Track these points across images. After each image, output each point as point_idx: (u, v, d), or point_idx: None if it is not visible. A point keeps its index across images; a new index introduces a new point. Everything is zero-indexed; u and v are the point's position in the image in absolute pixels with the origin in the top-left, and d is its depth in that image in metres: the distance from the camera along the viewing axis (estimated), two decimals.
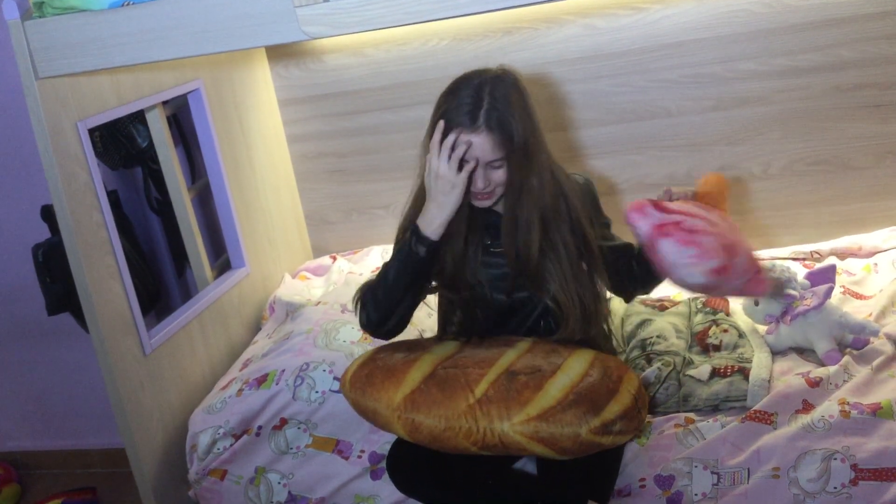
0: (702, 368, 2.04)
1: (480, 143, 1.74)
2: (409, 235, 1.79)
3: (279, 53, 2.84)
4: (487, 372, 1.76)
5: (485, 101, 1.74)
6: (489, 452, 1.76)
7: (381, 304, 1.83)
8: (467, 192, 1.79)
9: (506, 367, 1.77)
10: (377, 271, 1.88)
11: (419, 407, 1.75)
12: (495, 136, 1.73)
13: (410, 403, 1.76)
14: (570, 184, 1.90)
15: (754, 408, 1.88)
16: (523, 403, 1.70)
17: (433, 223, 1.76)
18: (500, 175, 1.79)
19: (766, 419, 1.85)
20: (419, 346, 1.92)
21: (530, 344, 1.84)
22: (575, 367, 1.75)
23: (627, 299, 2.01)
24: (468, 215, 1.85)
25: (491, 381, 1.74)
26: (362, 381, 1.85)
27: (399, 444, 1.90)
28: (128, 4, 1.77)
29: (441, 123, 1.75)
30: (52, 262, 2.52)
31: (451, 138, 1.73)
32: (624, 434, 1.70)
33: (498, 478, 1.85)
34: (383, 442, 2.04)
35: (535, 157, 1.80)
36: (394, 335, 1.90)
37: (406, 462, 1.88)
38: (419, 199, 1.86)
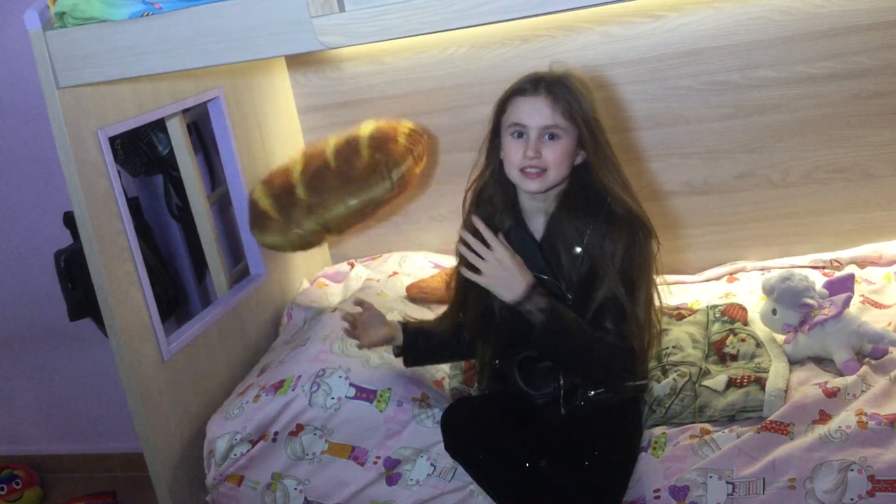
0: (718, 379, 2.03)
1: (538, 106, 1.81)
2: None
3: (298, 61, 2.86)
4: None
5: (546, 75, 1.86)
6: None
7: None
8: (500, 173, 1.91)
9: None
10: None
11: None
12: (553, 102, 1.81)
13: None
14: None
15: (770, 418, 1.86)
16: None
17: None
18: (553, 151, 1.83)
19: (783, 430, 1.84)
20: None
21: None
22: None
23: None
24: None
25: None
26: None
27: (455, 406, 1.94)
28: (147, 15, 1.80)
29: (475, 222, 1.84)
30: (73, 269, 2.55)
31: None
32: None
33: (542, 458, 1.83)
34: (398, 447, 2.05)
35: (601, 143, 1.85)
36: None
37: (457, 421, 1.90)
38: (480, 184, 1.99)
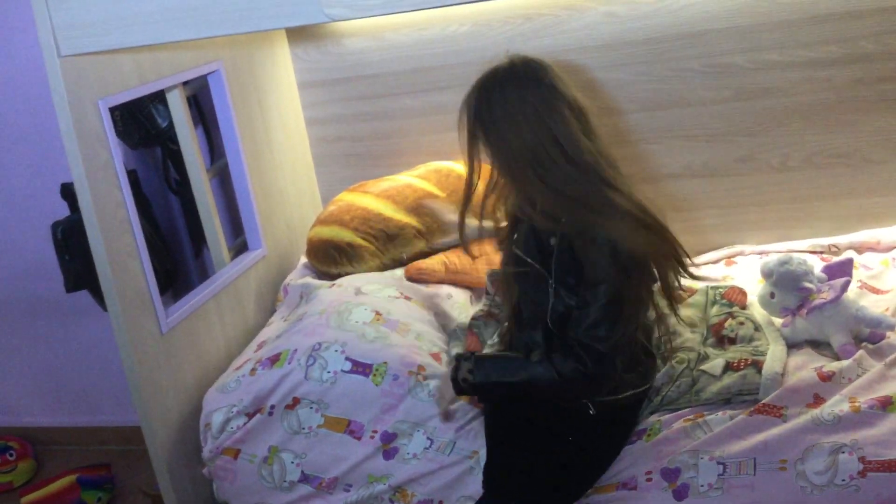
0: (715, 363, 2.03)
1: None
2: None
3: (299, 36, 2.84)
4: None
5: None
6: None
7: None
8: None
9: None
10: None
11: None
12: (462, 116, 1.84)
13: None
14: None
15: (764, 401, 1.87)
16: None
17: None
18: None
19: (775, 412, 1.84)
20: None
21: None
22: None
23: None
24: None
25: None
26: None
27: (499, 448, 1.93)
28: None
29: None
30: (70, 240, 2.55)
31: None
32: None
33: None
34: (395, 422, 2.05)
35: (509, 144, 1.79)
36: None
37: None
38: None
